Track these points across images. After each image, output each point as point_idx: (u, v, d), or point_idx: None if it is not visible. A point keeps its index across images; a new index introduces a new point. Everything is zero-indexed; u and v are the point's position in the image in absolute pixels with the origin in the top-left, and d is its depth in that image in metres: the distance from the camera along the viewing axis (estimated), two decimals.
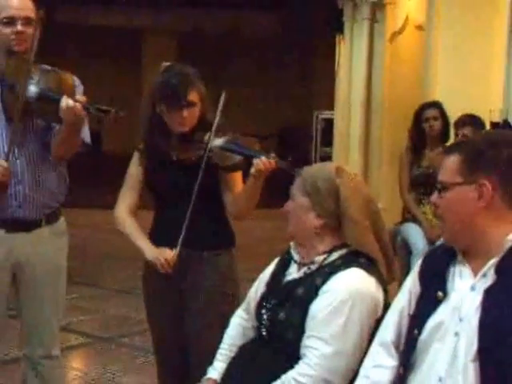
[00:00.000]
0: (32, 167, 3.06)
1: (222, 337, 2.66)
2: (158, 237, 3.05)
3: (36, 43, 2.91)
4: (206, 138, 2.92)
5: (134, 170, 3.13)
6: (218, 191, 3.04)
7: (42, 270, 3.15)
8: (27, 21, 2.91)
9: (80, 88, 3.12)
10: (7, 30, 2.89)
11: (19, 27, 2.89)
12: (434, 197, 2.06)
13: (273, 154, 2.82)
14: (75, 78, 3.11)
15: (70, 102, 2.78)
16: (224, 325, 2.70)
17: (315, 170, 2.52)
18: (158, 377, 3.27)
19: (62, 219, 3.24)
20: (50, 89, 2.89)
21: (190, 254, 2.98)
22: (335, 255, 2.42)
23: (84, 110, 2.80)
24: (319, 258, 2.42)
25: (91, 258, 7.70)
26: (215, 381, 2.55)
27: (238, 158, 2.89)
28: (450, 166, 2.01)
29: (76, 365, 4.77)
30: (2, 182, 2.93)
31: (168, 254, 2.90)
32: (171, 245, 2.94)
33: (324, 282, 2.34)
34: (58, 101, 2.81)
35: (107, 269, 7.53)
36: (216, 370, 2.58)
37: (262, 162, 2.79)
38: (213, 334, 2.74)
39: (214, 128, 2.92)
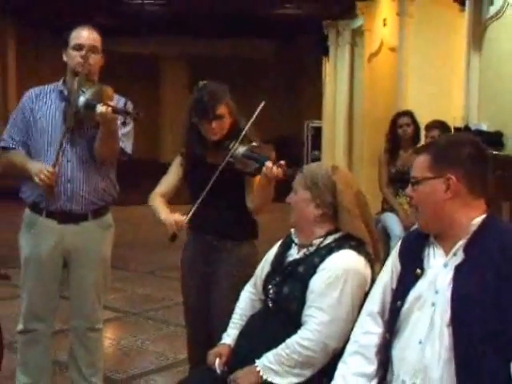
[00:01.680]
0: (80, 169, 3.07)
1: None
2: (193, 226, 3.04)
3: (96, 67, 3.09)
4: (231, 146, 2.88)
5: (175, 169, 3.12)
6: (242, 191, 3.01)
7: (86, 258, 3.14)
8: (92, 49, 3.04)
9: (130, 105, 3.04)
10: (76, 54, 3.03)
11: (84, 52, 3.02)
12: (409, 190, 2.05)
13: (282, 163, 2.72)
14: (122, 101, 3.07)
15: (104, 107, 2.83)
16: None
17: (314, 168, 2.52)
18: (187, 344, 3.23)
19: (108, 215, 3.23)
20: (93, 98, 2.92)
21: (217, 242, 3.00)
22: (330, 239, 2.42)
23: (113, 112, 2.85)
24: (316, 241, 2.42)
25: (121, 246, 7.67)
26: (229, 345, 2.54)
27: (257, 164, 2.83)
28: (420, 164, 2.01)
29: (110, 335, 4.77)
30: (49, 184, 2.95)
31: (178, 217, 2.85)
32: (204, 232, 3.00)
33: (321, 261, 2.34)
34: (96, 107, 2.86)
35: (135, 254, 7.51)
36: (230, 336, 2.57)
37: (270, 168, 2.72)
38: (231, 310, 2.71)
39: (240, 137, 2.86)
